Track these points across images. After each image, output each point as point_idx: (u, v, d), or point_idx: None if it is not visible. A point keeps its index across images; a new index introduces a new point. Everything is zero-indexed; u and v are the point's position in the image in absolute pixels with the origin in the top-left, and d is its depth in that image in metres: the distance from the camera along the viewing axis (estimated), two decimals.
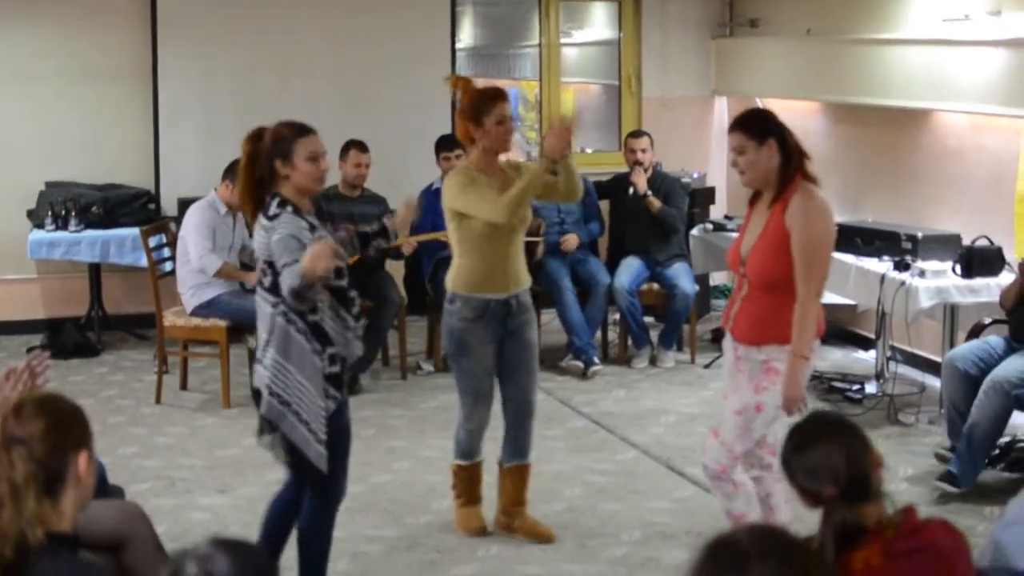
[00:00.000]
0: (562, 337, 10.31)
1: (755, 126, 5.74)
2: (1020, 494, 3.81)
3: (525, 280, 6.66)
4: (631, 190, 10.43)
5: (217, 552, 2.54)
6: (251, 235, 9.28)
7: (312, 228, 5.52)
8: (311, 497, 5.70)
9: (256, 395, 5.67)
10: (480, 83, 6.77)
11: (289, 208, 5.52)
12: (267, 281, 5.53)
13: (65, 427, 3.37)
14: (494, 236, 6.45)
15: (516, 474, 6.87)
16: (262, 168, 5.59)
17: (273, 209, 5.52)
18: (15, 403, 3.41)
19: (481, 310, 6.52)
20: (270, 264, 5.49)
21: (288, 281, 5.33)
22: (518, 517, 6.87)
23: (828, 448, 3.59)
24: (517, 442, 6.83)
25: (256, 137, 5.64)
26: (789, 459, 3.65)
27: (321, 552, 5.77)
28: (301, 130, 5.61)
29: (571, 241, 10.38)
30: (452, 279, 6.57)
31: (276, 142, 5.57)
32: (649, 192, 10.34)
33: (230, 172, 9.25)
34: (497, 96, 6.53)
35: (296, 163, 5.55)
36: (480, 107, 6.46)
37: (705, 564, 2.47)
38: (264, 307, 5.58)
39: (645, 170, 10.45)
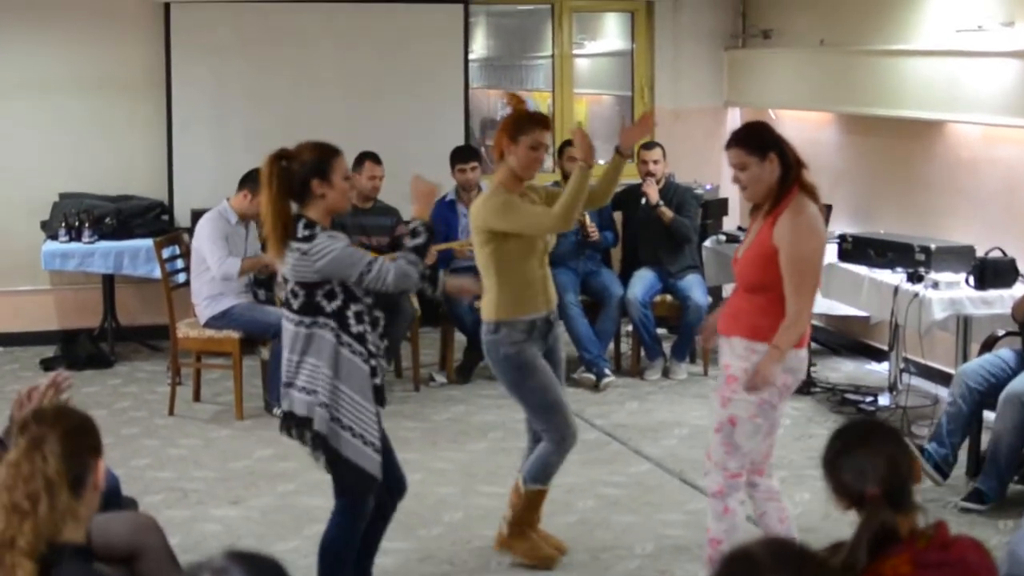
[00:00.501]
0: (573, 349, 10.29)
1: (755, 142, 5.77)
2: None
3: (555, 297, 6.65)
4: (643, 200, 10.43)
5: (232, 565, 2.53)
6: (263, 246, 9.37)
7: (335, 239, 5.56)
8: (340, 512, 5.72)
9: (290, 420, 5.64)
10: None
11: (318, 228, 5.51)
12: (296, 303, 5.53)
13: (82, 433, 3.43)
14: (531, 255, 6.41)
15: (532, 497, 6.74)
16: (293, 187, 5.54)
17: (302, 231, 5.50)
18: (31, 413, 3.45)
19: (528, 330, 6.43)
20: (304, 285, 5.49)
21: (394, 274, 5.52)
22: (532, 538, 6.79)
23: (875, 451, 3.62)
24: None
25: (281, 157, 5.55)
26: (834, 458, 3.66)
27: (341, 568, 5.76)
28: (334, 150, 5.63)
29: (594, 231, 10.33)
30: (494, 308, 6.41)
31: (315, 161, 5.54)
32: (661, 202, 10.34)
33: (247, 181, 9.26)
34: (540, 122, 6.52)
35: (334, 182, 5.56)
36: (521, 125, 6.42)
37: (721, 575, 2.47)
38: (292, 328, 5.57)
39: (657, 181, 10.45)
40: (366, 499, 5.69)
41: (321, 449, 5.57)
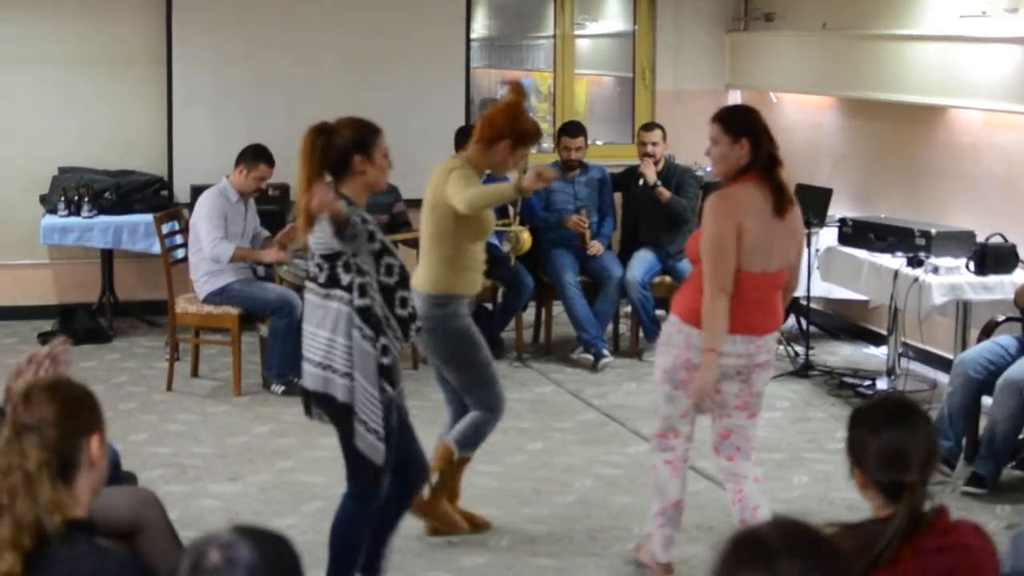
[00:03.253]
0: (572, 329, 10.30)
1: (733, 123, 5.91)
2: None
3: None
4: (640, 181, 10.43)
5: (240, 540, 2.52)
6: (261, 222, 9.34)
7: (364, 220, 5.48)
8: (349, 496, 5.67)
9: (310, 397, 5.63)
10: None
11: (354, 207, 5.48)
12: (322, 276, 5.51)
13: (76, 411, 3.35)
14: (481, 238, 6.54)
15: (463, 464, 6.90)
16: (333, 161, 5.53)
17: None
18: (24, 389, 3.39)
19: (470, 306, 6.62)
20: (327, 258, 5.47)
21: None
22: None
23: (915, 434, 3.56)
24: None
25: (322, 131, 5.51)
26: (867, 441, 3.58)
27: (350, 553, 5.72)
28: (376, 128, 5.63)
29: (595, 248, 10.38)
30: (445, 282, 6.46)
31: (359, 137, 5.54)
32: (658, 183, 10.33)
33: (243, 158, 9.27)
34: (534, 137, 6.68)
35: (375, 158, 5.57)
36: (525, 139, 6.55)
37: (729, 560, 2.44)
38: (315, 299, 5.56)
39: (656, 163, 10.44)
40: (375, 485, 5.62)
41: (342, 423, 5.54)
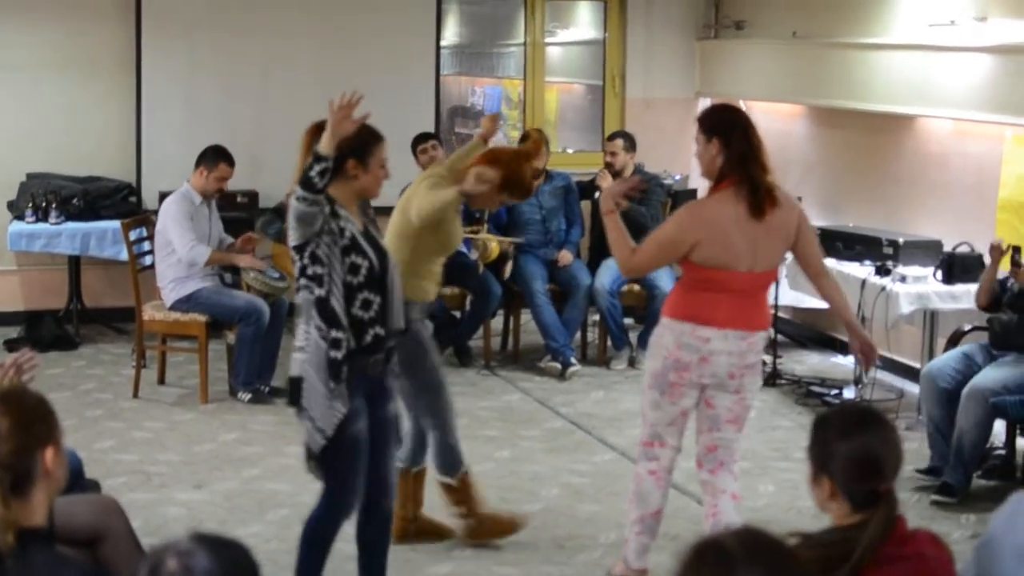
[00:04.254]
0: (540, 337, 10.29)
1: (708, 122, 5.93)
2: (1000, 508, 3.79)
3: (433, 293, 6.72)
4: (596, 193, 10.47)
5: (197, 547, 2.51)
6: (231, 229, 9.28)
7: (335, 214, 5.41)
8: (320, 502, 5.60)
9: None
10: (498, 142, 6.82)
11: (336, 205, 5.43)
12: (297, 268, 5.48)
13: (29, 424, 3.29)
14: (440, 255, 6.54)
15: (420, 479, 6.87)
16: None
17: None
18: None
19: (422, 312, 6.52)
20: (297, 249, 5.42)
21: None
22: (420, 521, 6.88)
23: (887, 443, 3.56)
24: (423, 446, 6.79)
25: (322, 129, 5.36)
26: (832, 446, 3.55)
27: (314, 559, 5.65)
28: (378, 136, 5.56)
29: (565, 258, 10.38)
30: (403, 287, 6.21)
31: (358, 142, 5.44)
32: None
33: (203, 159, 9.31)
34: (525, 195, 6.77)
35: (370, 166, 5.51)
36: (514, 182, 6.52)
37: (691, 567, 2.44)
38: (299, 294, 5.53)
39: (619, 172, 10.42)
40: (343, 492, 5.54)
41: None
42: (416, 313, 6.38)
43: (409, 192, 6.53)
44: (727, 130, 5.81)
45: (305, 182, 5.23)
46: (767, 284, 5.99)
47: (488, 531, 6.79)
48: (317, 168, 5.19)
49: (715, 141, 5.80)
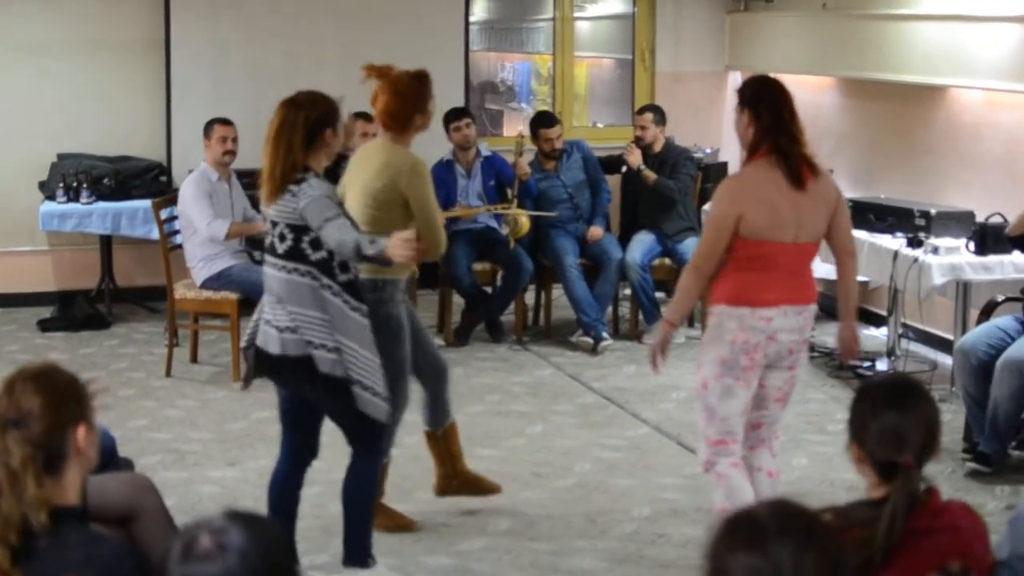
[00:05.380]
0: (571, 312, 10.28)
1: (743, 92, 5.91)
2: None
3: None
4: (623, 168, 10.46)
5: (231, 525, 2.51)
6: (250, 201, 9.37)
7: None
8: (359, 460, 5.85)
9: (267, 361, 5.72)
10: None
11: (311, 173, 5.60)
12: (282, 247, 5.59)
13: (61, 403, 3.29)
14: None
15: (452, 434, 6.86)
16: (305, 134, 5.62)
17: (299, 174, 5.59)
18: (7, 381, 3.31)
19: (403, 291, 6.43)
20: (294, 228, 5.54)
21: (339, 236, 5.44)
22: (461, 475, 6.89)
23: (913, 416, 3.57)
24: (443, 403, 6.78)
25: (295, 104, 5.67)
26: (866, 421, 3.59)
27: (367, 513, 5.94)
28: (336, 100, 5.77)
29: (595, 234, 10.36)
30: (372, 266, 6.11)
31: (331, 111, 5.70)
32: (642, 166, 10.32)
33: (204, 134, 9.59)
34: None
35: (339, 132, 5.75)
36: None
37: (723, 539, 2.43)
38: (275, 272, 5.65)
39: (649, 145, 10.42)
40: (378, 440, 5.81)
41: (332, 391, 5.63)
42: (400, 294, 6.34)
43: (395, 171, 6.22)
44: (757, 101, 5.80)
45: (357, 253, 5.47)
46: (812, 255, 5.92)
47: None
48: (364, 255, 5.48)
49: (746, 112, 5.79)
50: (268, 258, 5.69)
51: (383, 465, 6.60)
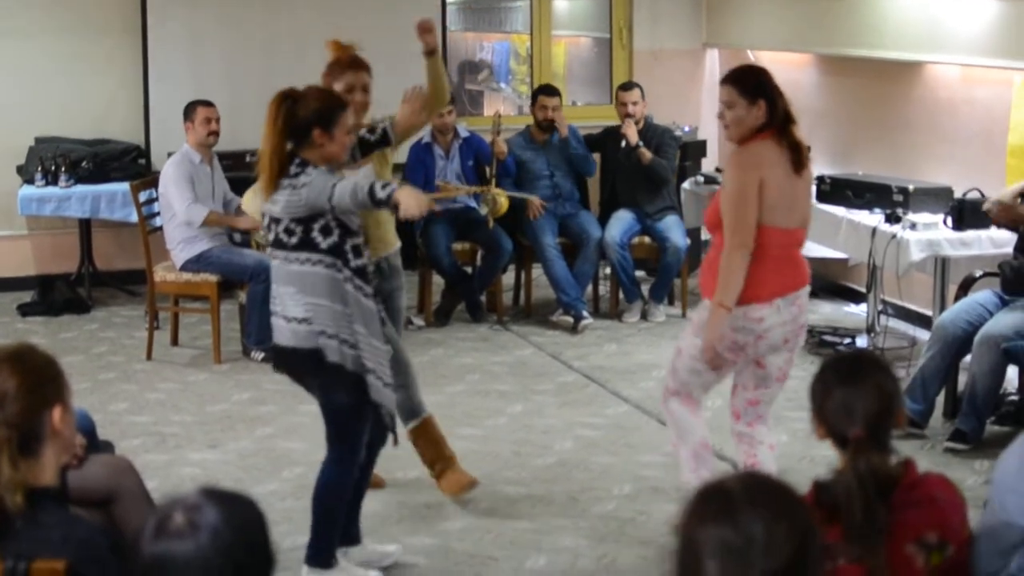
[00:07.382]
0: (551, 292, 10.29)
1: (749, 85, 5.80)
2: (1004, 453, 3.81)
3: (392, 243, 6.60)
4: (623, 143, 10.41)
5: (206, 502, 2.51)
6: (230, 185, 9.33)
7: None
8: (336, 460, 5.70)
9: (280, 354, 5.66)
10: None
11: (310, 165, 5.47)
12: (293, 240, 5.48)
13: (37, 385, 3.28)
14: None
15: (425, 430, 6.82)
16: (294, 130, 5.48)
17: (294, 168, 5.46)
18: None
19: (375, 272, 6.22)
20: (300, 221, 5.46)
21: (351, 187, 5.36)
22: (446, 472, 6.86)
23: (864, 388, 3.65)
24: (412, 399, 6.75)
25: (288, 97, 5.48)
26: (821, 395, 3.71)
27: (333, 516, 5.77)
28: (342, 103, 5.59)
29: (534, 207, 10.32)
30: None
31: (323, 110, 5.48)
32: (640, 143, 10.31)
33: (184, 115, 9.48)
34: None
35: (335, 135, 5.50)
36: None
37: (695, 509, 2.45)
38: (286, 265, 5.53)
39: (636, 122, 10.42)
40: (355, 446, 5.67)
41: (336, 381, 5.56)
42: (387, 272, 6.36)
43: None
44: (770, 91, 5.77)
45: (372, 197, 5.38)
46: (802, 241, 5.93)
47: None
48: (377, 198, 5.38)
49: (761, 103, 5.72)
50: (276, 252, 5.57)
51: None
